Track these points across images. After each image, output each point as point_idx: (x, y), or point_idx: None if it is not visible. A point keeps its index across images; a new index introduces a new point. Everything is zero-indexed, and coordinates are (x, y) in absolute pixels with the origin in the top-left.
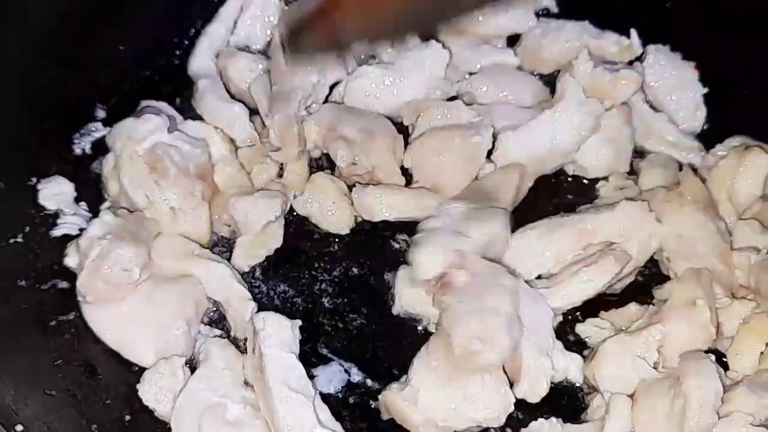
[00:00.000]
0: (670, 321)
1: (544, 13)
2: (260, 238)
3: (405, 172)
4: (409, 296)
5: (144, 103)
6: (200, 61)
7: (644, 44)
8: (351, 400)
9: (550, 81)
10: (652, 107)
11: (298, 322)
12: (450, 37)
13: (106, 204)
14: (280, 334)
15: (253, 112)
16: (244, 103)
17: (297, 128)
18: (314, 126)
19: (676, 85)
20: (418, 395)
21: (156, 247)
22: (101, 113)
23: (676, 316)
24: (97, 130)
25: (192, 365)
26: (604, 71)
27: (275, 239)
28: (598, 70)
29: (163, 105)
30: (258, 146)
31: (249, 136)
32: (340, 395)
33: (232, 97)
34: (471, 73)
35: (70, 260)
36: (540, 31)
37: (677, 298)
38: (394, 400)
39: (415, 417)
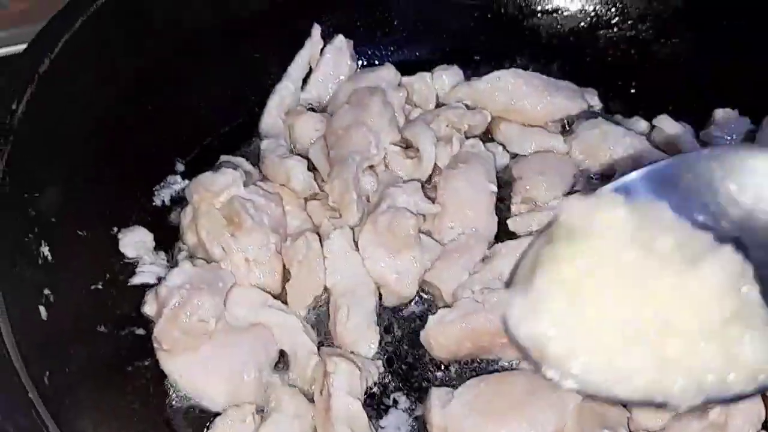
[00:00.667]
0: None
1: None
2: (304, 278)
3: None
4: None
5: (223, 158)
6: (269, 119)
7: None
8: None
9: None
10: None
11: (379, 363)
12: (501, 121)
13: (184, 254)
14: (349, 380)
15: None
16: (309, 160)
17: (355, 193)
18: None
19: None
20: None
21: (231, 298)
22: (180, 166)
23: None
24: (176, 182)
25: (262, 412)
26: None
27: (319, 279)
28: None
29: (240, 160)
30: (325, 200)
31: (308, 188)
32: None
33: (299, 155)
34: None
35: (148, 308)
36: (599, 132)
37: None
38: None
39: None
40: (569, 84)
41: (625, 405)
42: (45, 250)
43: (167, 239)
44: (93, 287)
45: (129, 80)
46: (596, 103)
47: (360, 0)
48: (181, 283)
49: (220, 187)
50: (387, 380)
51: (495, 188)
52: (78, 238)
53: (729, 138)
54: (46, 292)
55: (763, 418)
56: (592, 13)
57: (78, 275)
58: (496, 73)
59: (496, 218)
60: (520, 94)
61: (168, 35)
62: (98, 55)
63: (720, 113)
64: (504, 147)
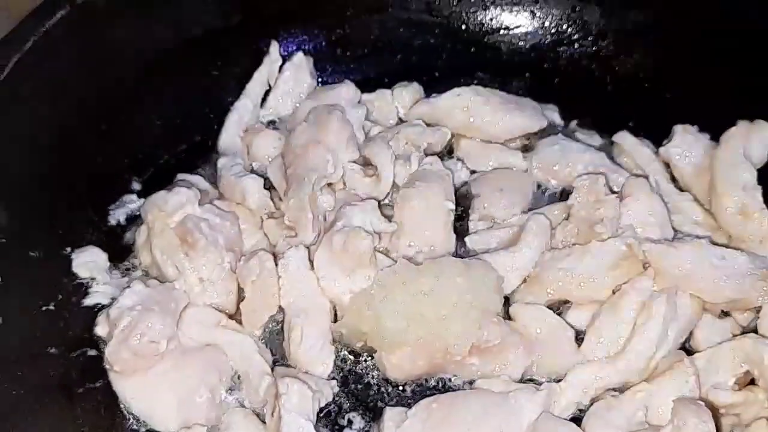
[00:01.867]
0: (656, 379)
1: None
2: (258, 297)
3: None
4: None
5: (179, 176)
6: (227, 137)
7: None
8: None
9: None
10: (678, 188)
11: (334, 383)
12: (461, 137)
13: (138, 273)
14: (301, 401)
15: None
16: (267, 179)
17: (311, 212)
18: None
19: (703, 166)
20: None
21: (184, 318)
22: (137, 185)
23: (661, 374)
24: (132, 201)
25: None
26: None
27: (273, 298)
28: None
29: (196, 179)
30: (281, 218)
31: (264, 206)
32: None
33: (257, 173)
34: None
35: (100, 329)
36: (559, 148)
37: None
38: None
39: None
40: (529, 101)
41: (578, 423)
42: None
43: (122, 259)
44: (44, 308)
45: (83, 98)
46: (557, 120)
47: (319, 17)
48: (132, 305)
49: (173, 207)
50: (342, 400)
51: (453, 206)
52: (29, 259)
53: (688, 154)
54: None
55: None
56: (553, 30)
57: (29, 296)
58: (455, 90)
59: (454, 236)
60: (479, 112)
61: (124, 53)
62: (50, 73)
63: (679, 129)
64: (463, 163)
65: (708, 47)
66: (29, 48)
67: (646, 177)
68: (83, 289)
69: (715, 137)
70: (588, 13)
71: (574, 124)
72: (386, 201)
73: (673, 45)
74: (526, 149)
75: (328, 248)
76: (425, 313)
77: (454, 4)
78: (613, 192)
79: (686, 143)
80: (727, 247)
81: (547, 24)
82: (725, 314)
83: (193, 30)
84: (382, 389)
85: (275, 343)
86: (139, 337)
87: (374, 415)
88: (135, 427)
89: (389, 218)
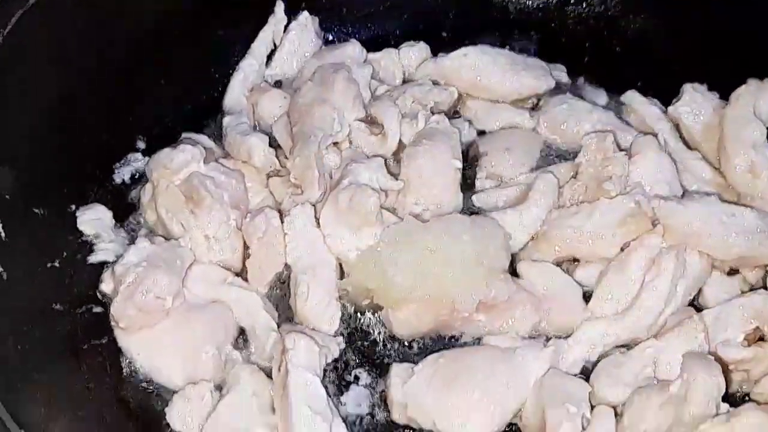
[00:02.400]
0: (665, 335)
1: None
2: (264, 254)
3: None
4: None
5: (184, 135)
6: (233, 96)
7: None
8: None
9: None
10: (687, 145)
11: (340, 340)
12: (468, 97)
13: (143, 232)
14: (307, 356)
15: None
16: (273, 137)
17: (317, 170)
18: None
19: (712, 124)
20: None
21: (190, 275)
22: (142, 144)
23: (669, 330)
24: (137, 160)
25: (221, 389)
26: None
27: (280, 256)
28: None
29: (201, 137)
30: (287, 176)
31: (269, 164)
32: (370, 417)
33: (263, 132)
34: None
35: (106, 286)
36: (567, 107)
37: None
38: None
39: None
40: (537, 61)
41: (586, 378)
42: None
43: (127, 217)
44: (49, 265)
45: (88, 57)
46: (565, 80)
47: None
48: (138, 261)
49: (178, 164)
50: (348, 356)
51: (460, 164)
52: (33, 216)
53: (697, 113)
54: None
55: (723, 391)
56: None
57: (33, 253)
58: (462, 50)
59: (461, 194)
60: (486, 72)
61: (130, 12)
62: (55, 30)
63: (688, 88)
64: (470, 123)
65: (717, 5)
66: (32, 4)
67: (655, 135)
68: (88, 246)
69: (725, 96)
70: None
71: (581, 81)
72: (392, 161)
73: (682, 3)
74: (533, 109)
75: (334, 205)
76: (432, 270)
77: None
78: (622, 150)
79: (695, 102)
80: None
81: None
82: (734, 272)
83: None
84: (389, 346)
85: (283, 301)
86: (145, 293)
87: (381, 371)
88: (140, 383)
89: (395, 176)
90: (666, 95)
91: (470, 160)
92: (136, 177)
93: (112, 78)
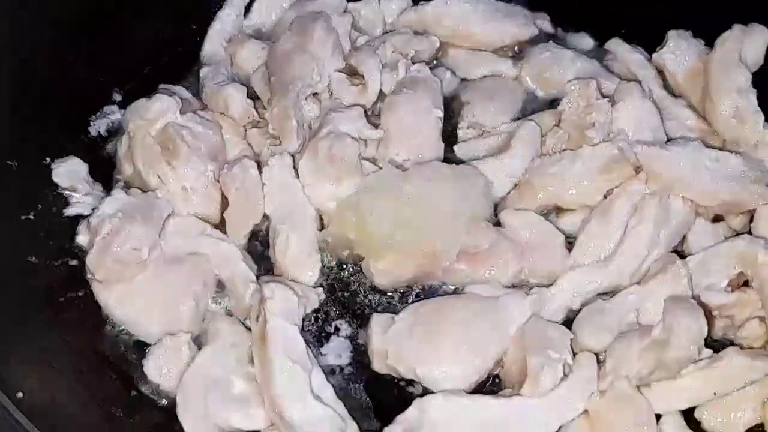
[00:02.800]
0: (648, 282)
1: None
2: (242, 205)
3: None
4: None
5: (161, 87)
6: (211, 47)
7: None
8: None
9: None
10: (671, 93)
11: (320, 291)
12: (449, 46)
13: (120, 185)
14: (286, 306)
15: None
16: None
17: (295, 120)
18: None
19: (697, 70)
20: None
21: (168, 227)
22: (118, 96)
23: (653, 277)
24: (113, 113)
25: (200, 341)
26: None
27: (258, 206)
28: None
29: (178, 88)
30: (265, 127)
31: (247, 115)
32: (350, 368)
33: (241, 83)
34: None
35: (81, 238)
36: (550, 55)
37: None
38: None
39: None
40: (520, 8)
41: (569, 326)
42: None
43: (103, 170)
44: (24, 218)
45: (63, 8)
46: (548, 28)
47: None
48: (113, 212)
49: (154, 114)
50: (328, 308)
51: (441, 113)
52: (6, 168)
53: (682, 59)
54: None
55: (705, 334)
56: None
57: (7, 205)
58: None
59: (442, 144)
60: (468, 20)
61: None
62: None
63: (673, 34)
64: (452, 72)
65: None
66: None
67: (639, 82)
68: (64, 199)
69: (710, 42)
70: None
71: (565, 30)
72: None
73: None
74: (516, 57)
75: (314, 155)
76: (412, 219)
77: None
78: (605, 97)
79: (680, 48)
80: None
81: None
82: (719, 219)
83: None
84: (369, 296)
85: (261, 256)
86: (120, 244)
87: (361, 322)
88: (118, 335)
89: (376, 126)
90: (650, 43)
91: (452, 109)
92: (113, 130)
93: (88, 29)
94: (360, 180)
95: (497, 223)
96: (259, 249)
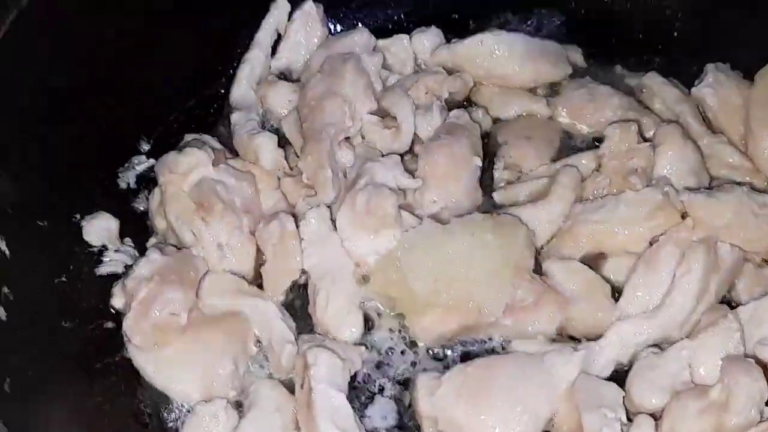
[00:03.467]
0: (699, 335)
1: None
2: (280, 262)
3: None
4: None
5: (189, 136)
6: (240, 90)
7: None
8: None
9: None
10: (711, 129)
11: (363, 350)
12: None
13: (153, 240)
14: (331, 372)
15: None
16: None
17: (330, 169)
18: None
19: (737, 105)
20: None
21: (203, 286)
22: (145, 145)
23: (704, 330)
24: (141, 162)
25: (241, 407)
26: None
27: (296, 262)
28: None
29: (208, 138)
30: (299, 176)
31: (278, 167)
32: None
33: (269, 127)
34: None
35: (116, 301)
36: (586, 92)
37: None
38: None
39: None
40: (553, 44)
41: (616, 380)
42: (1, 244)
43: (134, 224)
44: (56, 280)
45: (86, 55)
46: (581, 62)
47: None
48: (150, 274)
49: (186, 168)
50: (371, 366)
51: (480, 162)
52: (37, 229)
53: (721, 94)
54: (5, 290)
55: (766, 397)
56: None
57: (39, 269)
58: (478, 37)
59: (480, 191)
60: (503, 60)
61: (129, 7)
62: (51, 28)
63: (711, 68)
64: (486, 111)
65: None
66: (28, 4)
67: (678, 122)
68: (95, 257)
69: (749, 75)
70: None
71: (599, 62)
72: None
73: None
74: (550, 94)
75: (351, 208)
76: (455, 274)
77: None
78: (645, 140)
79: (719, 82)
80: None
81: None
82: (766, 262)
83: None
84: (412, 353)
85: (301, 308)
86: (159, 309)
87: (405, 381)
88: (157, 401)
89: (411, 172)
90: (688, 76)
91: (486, 148)
92: (142, 181)
93: (113, 75)
94: (399, 232)
95: (537, 270)
96: (298, 303)
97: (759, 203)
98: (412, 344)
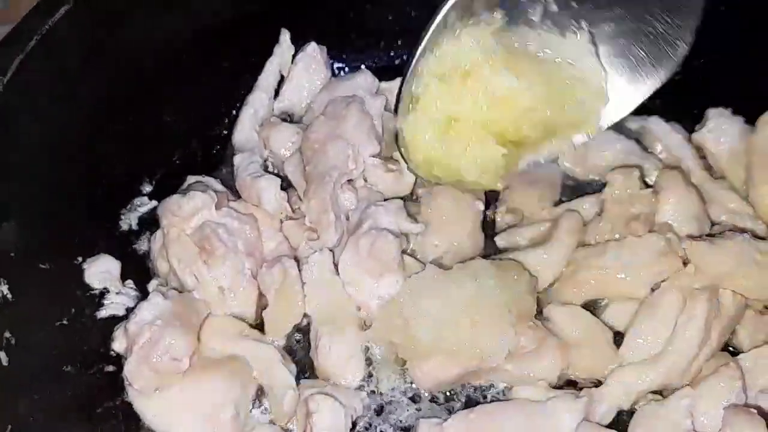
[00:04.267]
0: (701, 384)
1: None
2: (282, 306)
3: None
4: None
5: (192, 178)
6: (243, 132)
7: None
8: None
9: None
10: (712, 174)
11: (364, 395)
12: None
13: (155, 283)
14: (332, 418)
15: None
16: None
17: (333, 213)
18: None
19: (738, 150)
20: None
21: (205, 329)
22: (148, 187)
23: (705, 378)
24: (143, 204)
25: None
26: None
27: (298, 306)
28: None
29: (209, 180)
30: (301, 219)
31: (280, 210)
32: None
33: (272, 169)
34: None
35: (118, 345)
36: None
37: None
38: None
39: None
40: None
41: (617, 427)
42: (4, 288)
43: (135, 266)
44: (58, 323)
45: (90, 99)
46: None
47: (332, 3)
48: (152, 319)
49: (189, 212)
50: (372, 412)
51: (482, 206)
52: (40, 272)
53: (723, 140)
54: (7, 335)
55: None
56: None
57: (41, 312)
58: None
59: (482, 235)
60: None
61: (132, 48)
62: (55, 74)
63: (713, 113)
64: None
65: (741, 28)
66: (32, 48)
67: (680, 167)
68: (96, 300)
69: (751, 120)
70: None
71: None
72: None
73: (705, 25)
74: None
75: (354, 252)
76: (457, 320)
77: None
78: (647, 185)
79: (720, 128)
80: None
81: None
82: (767, 309)
83: (203, 20)
84: (415, 400)
85: (300, 353)
86: (161, 354)
87: (407, 426)
88: None
89: (414, 216)
90: (690, 120)
91: (489, 193)
92: (144, 222)
93: (116, 118)
94: (402, 276)
95: (538, 315)
96: (300, 347)
97: (760, 251)
98: (414, 390)
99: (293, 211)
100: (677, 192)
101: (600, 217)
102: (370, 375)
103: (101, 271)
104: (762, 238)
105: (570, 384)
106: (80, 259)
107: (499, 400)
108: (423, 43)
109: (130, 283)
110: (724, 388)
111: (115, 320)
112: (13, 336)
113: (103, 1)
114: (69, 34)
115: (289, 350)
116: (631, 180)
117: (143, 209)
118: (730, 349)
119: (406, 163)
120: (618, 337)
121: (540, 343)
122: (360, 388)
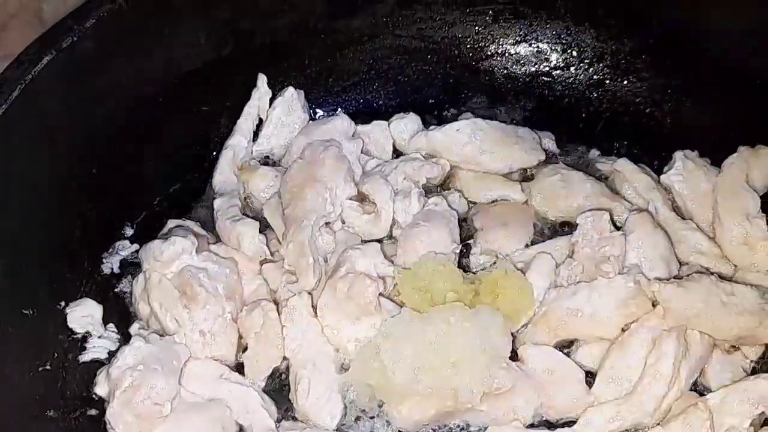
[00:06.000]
0: (670, 423)
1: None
2: (262, 349)
3: None
4: None
5: (172, 222)
6: (222, 175)
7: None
8: None
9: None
10: (680, 215)
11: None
12: (459, 169)
13: (136, 326)
14: None
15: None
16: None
17: (311, 257)
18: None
19: (705, 192)
20: None
21: (186, 372)
22: (129, 230)
23: (674, 418)
24: (125, 248)
25: None
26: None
27: (278, 350)
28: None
29: (190, 224)
30: (280, 262)
31: (260, 253)
32: None
33: (251, 212)
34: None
35: (100, 389)
36: (560, 178)
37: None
38: None
39: None
40: (528, 132)
41: None
42: None
43: (117, 309)
44: (41, 369)
45: (71, 144)
46: (553, 148)
47: (309, 47)
48: (134, 363)
49: (169, 257)
50: None
51: (458, 248)
52: (23, 318)
53: (689, 181)
54: None
55: None
56: (547, 54)
57: (24, 358)
58: (455, 125)
59: None
60: (479, 147)
61: (112, 96)
62: (38, 122)
63: (680, 155)
64: (462, 194)
65: (708, 72)
66: (15, 98)
67: (648, 209)
68: (78, 344)
69: (717, 162)
70: (583, 38)
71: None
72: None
73: (671, 69)
74: (524, 179)
75: (332, 295)
76: (433, 362)
77: (446, 29)
78: (617, 227)
79: (687, 170)
80: (734, 280)
81: (541, 47)
82: (734, 348)
83: (183, 66)
84: None
85: (280, 395)
86: (143, 399)
87: None
88: None
89: (391, 257)
90: (659, 162)
91: (463, 234)
92: (125, 265)
93: (97, 163)
94: (379, 319)
95: (513, 355)
96: (279, 389)
97: (727, 292)
98: (392, 430)
99: (272, 254)
100: (646, 233)
101: (571, 259)
102: (348, 415)
103: (83, 315)
104: (728, 279)
105: (544, 424)
106: (63, 303)
107: None
108: None
109: (111, 326)
110: (693, 427)
111: (97, 364)
112: None
113: (85, 52)
114: (51, 83)
115: (268, 392)
116: (601, 222)
117: (125, 252)
118: (698, 388)
119: None
120: (590, 377)
121: (514, 383)
122: (339, 429)
